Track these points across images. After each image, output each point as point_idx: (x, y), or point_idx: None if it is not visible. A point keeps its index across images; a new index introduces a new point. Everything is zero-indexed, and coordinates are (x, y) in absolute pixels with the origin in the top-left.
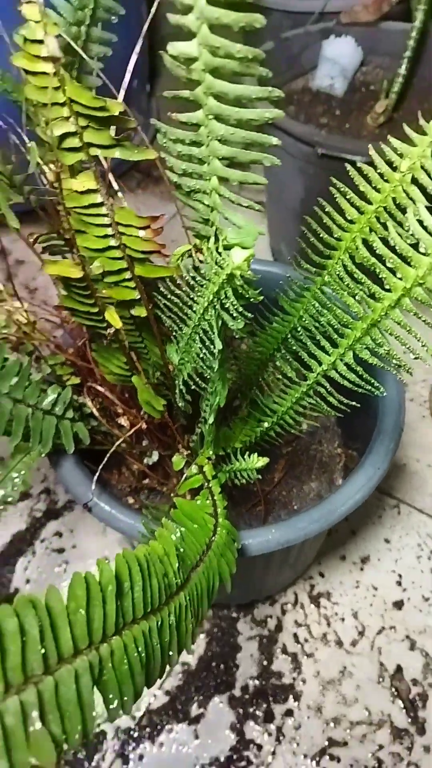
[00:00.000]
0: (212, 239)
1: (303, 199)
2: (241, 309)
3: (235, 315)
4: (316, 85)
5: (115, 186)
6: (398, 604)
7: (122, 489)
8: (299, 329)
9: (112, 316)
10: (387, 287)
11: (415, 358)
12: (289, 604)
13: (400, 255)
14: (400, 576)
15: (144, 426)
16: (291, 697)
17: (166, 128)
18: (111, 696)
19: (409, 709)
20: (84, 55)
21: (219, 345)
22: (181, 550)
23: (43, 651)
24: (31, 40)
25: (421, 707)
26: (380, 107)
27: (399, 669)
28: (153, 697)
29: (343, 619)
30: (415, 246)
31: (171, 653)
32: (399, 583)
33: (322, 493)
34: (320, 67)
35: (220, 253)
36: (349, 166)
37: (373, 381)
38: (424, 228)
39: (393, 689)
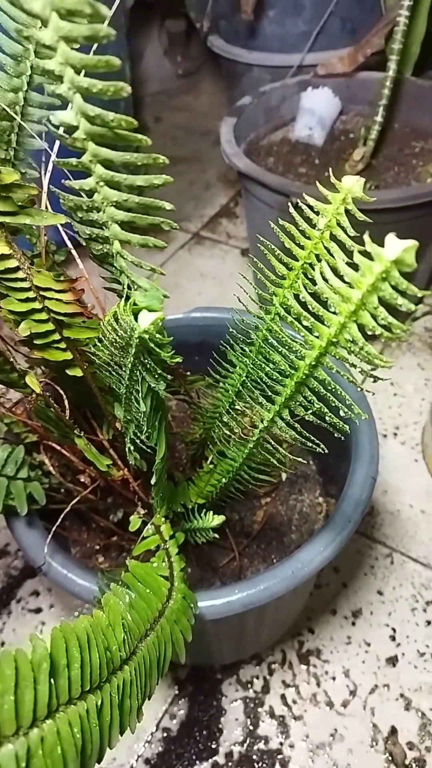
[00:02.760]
0: (122, 303)
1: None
2: (159, 371)
3: (156, 376)
4: (296, 135)
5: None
6: (392, 661)
7: (91, 547)
8: (247, 384)
9: (32, 381)
10: (309, 346)
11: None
12: (277, 663)
13: (313, 314)
14: (393, 630)
15: (103, 483)
16: (278, 763)
17: (63, 195)
18: None
19: None
20: (21, 121)
21: (143, 407)
22: (129, 618)
23: None
24: None
25: None
26: (358, 155)
27: (393, 731)
28: (131, 767)
29: (333, 678)
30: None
31: (112, 734)
32: (393, 638)
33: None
34: (299, 118)
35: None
36: (272, 225)
37: (314, 439)
38: (329, 285)
39: (387, 754)
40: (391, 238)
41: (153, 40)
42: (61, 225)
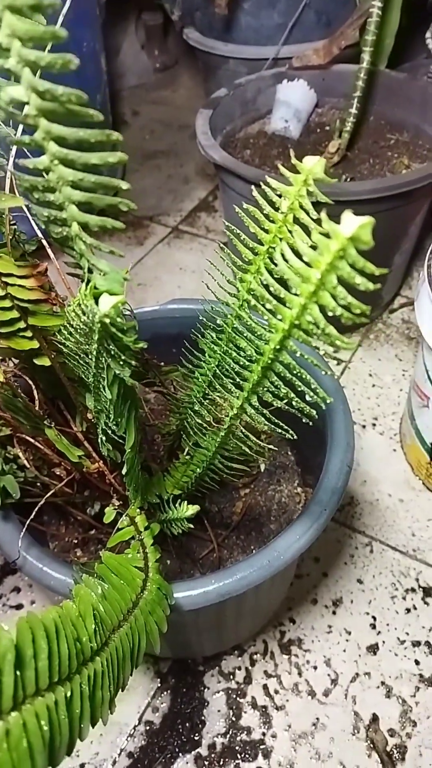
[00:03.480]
0: (82, 287)
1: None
2: (124, 357)
3: (121, 363)
4: (272, 128)
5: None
6: (373, 649)
7: (69, 541)
8: (218, 373)
9: None
10: (272, 329)
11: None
12: (258, 654)
13: (276, 297)
14: (374, 618)
15: (79, 476)
16: (260, 753)
17: (19, 176)
18: None
19: (387, 763)
20: None
21: (110, 395)
22: (102, 609)
23: None
24: None
25: (400, 760)
26: (333, 147)
27: (375, 718)
28: (114, 761)
29: (315, 668)
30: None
31: (83, 726)
32: (373, 626)
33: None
34: (275, 111)
35: (87, 303)
36: (236, 208)
37: (283, 425)
38: (289, 266)
39: (369, 741)
40: (347, 215)
41: (130, 33)
42: (35, 220)
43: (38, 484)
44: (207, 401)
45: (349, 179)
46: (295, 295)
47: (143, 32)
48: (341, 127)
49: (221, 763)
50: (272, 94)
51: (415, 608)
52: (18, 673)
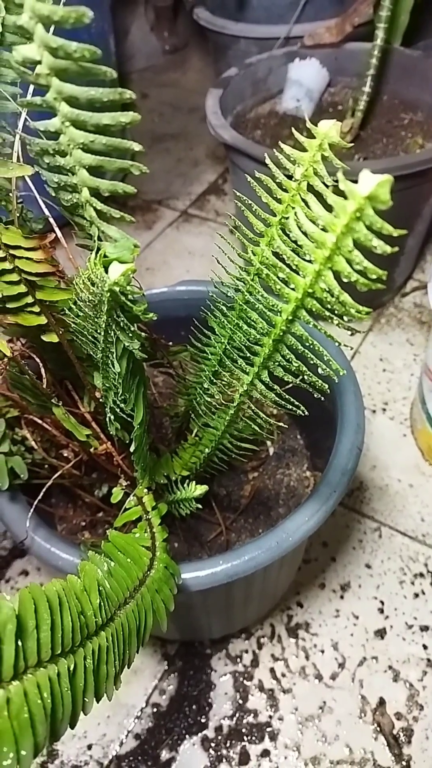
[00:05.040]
0: (92, 255)
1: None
2: (133, 329)
3: (130, 335)
4: (283, 108)
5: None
6: (380, 633)
7: (77, 523)
8: (228, 351)
9: (2, 345)
10: (285, 300)
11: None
12: (266, 637)
13: (289, 266)
14: (382, 603)
15: (87, 458)
16: (267, 736)
17: (30, 140)
18: (5, 749)
19: (393, 746)
20: None
21: (119, 368)
22: (108, 585)
23: None
24: None
25: (406, 743)
26: (346, 126)
27: (382, 702)
28: (121, 742)
29: (322, 651)
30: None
31: (86, 700)
32: (381, 611)
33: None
34: (286, 90)
35: (97, 271)
36: (248, 178)
37: (293, 401)
38: (304, 233)
39: (375, 724)
40: (365, 174)
41: (139, 15)
42: (44, 202)
43: (46, 466)
44: (217, 380)
45: (362, 159)
46: (309, 262)
47: (152, 14)
48: (354, 106)
49: (228, 745)
50: (284, 73)
51: (423, 593)
52: (20, 643)
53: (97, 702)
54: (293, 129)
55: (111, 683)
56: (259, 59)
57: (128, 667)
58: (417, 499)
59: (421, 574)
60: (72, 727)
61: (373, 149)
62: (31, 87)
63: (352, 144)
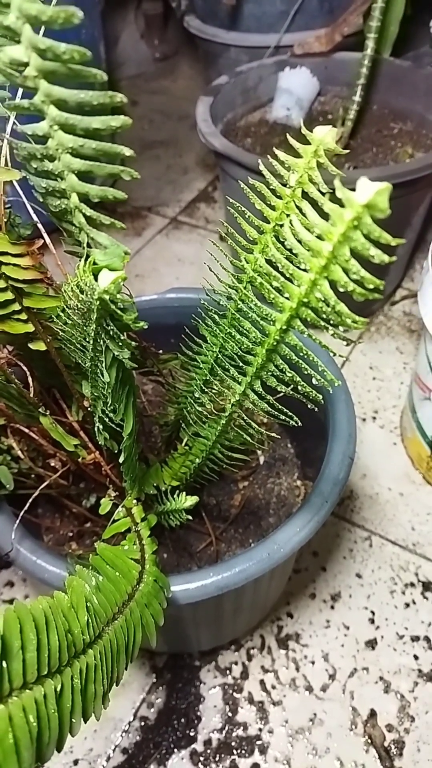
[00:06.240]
0: (81, 262)
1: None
2: (123, 338)
3: (120, 344)
4: (273, 116)
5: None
6: (371, 644)
7: (64, 534)
8: (220, 359)
9: None
10: (279, 309)
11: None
12: (256, 649)
13: (284, 275)
14: (372, 613)
15: (75, 468)
16: (257, 749)
17: (17, 143)
18: None
19: (384, 759)
20: None
21: (108, 378)
22: (95, 601)
23: None
24: None
25: (397, 755)
26: (336, 135)
27: (373, 714)
28: (108, 757)
29: (312, 663)
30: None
31: (74, 721)
32: (372, 621)
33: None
34: (276, 99)
35: (86, 279)
36: (240, 184)
37: (287, 411)
38: (299, 241)
39: (366, 737)
40: (363, 181)
41: (129, 22)
42: (32, 207)
43: (33, 475)
44: (208, 389)
45: (351, 168)
46: (304, 271)
47: (143, 21)
48: (344, 115)
49: (217, 759)
50: (274, 82)
51: (414, 603)
52: (4, 664)
53: (85, 722)
54: (287, 136)
55: (99, 702)
56: (249, 68)
57: (117, 685)
58: (407, 507)
59: (412, 584)
60: (59, 751)
61: (363, 158)
62: (20, 90)
63: (348, 151)
